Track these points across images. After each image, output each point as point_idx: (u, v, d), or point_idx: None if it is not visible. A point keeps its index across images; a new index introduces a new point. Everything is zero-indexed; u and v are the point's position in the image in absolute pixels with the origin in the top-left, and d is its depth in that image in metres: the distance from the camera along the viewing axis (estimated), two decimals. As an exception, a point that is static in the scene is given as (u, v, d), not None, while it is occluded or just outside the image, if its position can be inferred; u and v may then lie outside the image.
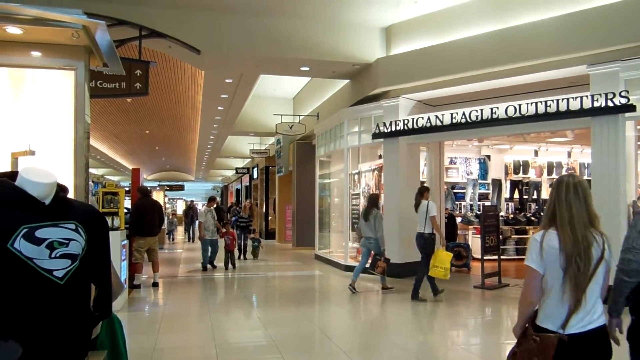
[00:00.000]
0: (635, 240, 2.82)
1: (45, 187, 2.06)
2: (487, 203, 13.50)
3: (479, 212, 13.27)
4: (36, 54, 2.80)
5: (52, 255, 1.99)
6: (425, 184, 11.53)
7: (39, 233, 1.99)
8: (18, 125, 2.78)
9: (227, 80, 11.97)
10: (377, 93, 11.06)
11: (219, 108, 14.87)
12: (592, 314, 2.49)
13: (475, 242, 12.36)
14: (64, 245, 2.03)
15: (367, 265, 9.08)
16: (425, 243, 8.26)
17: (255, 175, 27.05)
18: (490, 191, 14.46)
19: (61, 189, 2.17)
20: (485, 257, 9.55)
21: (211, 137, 20.38)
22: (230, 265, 12.41)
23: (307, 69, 11.22)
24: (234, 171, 32.33)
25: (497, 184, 14.38)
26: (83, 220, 2.15)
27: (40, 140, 2.73)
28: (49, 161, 2.63)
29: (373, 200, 9.25)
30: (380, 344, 6.16)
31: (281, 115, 15.42)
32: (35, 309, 1.95)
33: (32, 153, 2.61)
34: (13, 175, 2.12)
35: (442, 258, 8.12)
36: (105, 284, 2.31)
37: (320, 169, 14.95)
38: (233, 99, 13.68)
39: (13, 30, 2.61)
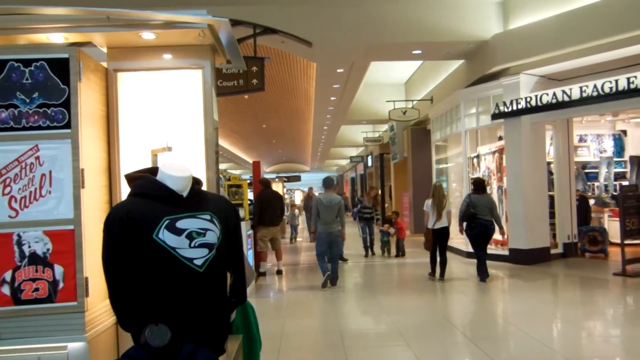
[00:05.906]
0: (463, 201, 8.85)
1: (182, 180, 2.20)
2: (625, 182, 12.32)
3: (615, 193, 12.19)
4: (167, 56, 2.99)
5: (192, 245, 2.11)
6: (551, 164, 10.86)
7: (180, 224, 2.12)
8: (156, 124, 2.98)
9: (338, 70, 12.04)
10: (495, 71, 10.50)
11: (332, 98, 15.02)
12: (443, 223, 8.77)
13: (612, 226, 11.33)
14: (201, 235, 2.14)
15: None
16: None
17: (369, 163, 27.06)
18: (628, 169, 13.15)
19: (196, 182, 2.30)
20: (625, 242, 8.73)
21: (325, 127, 20.68)
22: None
23: (419, 52, 10.94)
24: (349, 160, 32.61)
25: (635, 161, 13.02)
26: (217, 211, 2.26)
27: (175, 137, 2.91)
28: (184, 156, 2.80)
29: None
30: (510, 333, 5.88)
31: (394, 101, 15.22)
32: (180, 295, 2.08)
33: (170, 149, 2.79)
34: (154, 171, 2.28)
35: None
36: (240, 271, 2.41)
37: (437, 154, 14.55)
38: (345, 88, 13.74)
39: (147, 35, 2.80)
